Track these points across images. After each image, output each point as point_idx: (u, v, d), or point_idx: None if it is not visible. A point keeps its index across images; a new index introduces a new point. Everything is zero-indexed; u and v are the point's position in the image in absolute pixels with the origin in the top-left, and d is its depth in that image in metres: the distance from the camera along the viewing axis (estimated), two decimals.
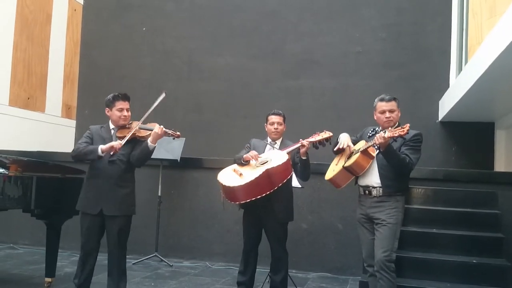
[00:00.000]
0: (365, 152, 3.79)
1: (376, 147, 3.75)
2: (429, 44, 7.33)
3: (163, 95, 4.24)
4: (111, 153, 4.01)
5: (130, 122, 4.28)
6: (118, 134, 4.19)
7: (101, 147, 3.99)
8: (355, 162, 3.83)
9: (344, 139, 4.04)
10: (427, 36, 7.36)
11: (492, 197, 5.43)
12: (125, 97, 4.22)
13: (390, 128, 3.67)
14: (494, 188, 5.59)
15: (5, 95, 9.22)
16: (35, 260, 6.20)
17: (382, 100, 3.96)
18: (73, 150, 4.14)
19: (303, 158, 4.30)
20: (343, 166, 3.95)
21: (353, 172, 3.93)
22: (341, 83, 7.60)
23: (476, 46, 5.23)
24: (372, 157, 3.83)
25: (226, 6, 8.25)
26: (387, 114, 3.92)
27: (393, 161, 3.73)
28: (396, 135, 3.49)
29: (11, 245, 7.05)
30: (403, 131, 3.45)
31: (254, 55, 8.03)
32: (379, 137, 3.57)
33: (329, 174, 4.16)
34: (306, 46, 7.82)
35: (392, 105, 3.92)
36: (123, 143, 4.01)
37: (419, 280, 4.69)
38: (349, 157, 3.97)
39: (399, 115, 3.96)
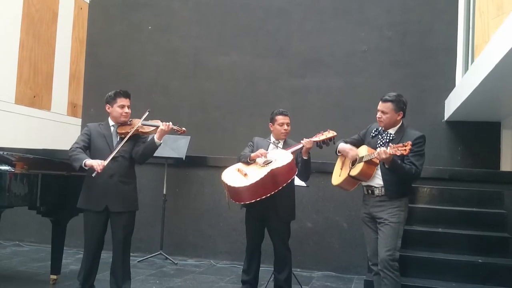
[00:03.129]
0: (369, 161, 3.77)
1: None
2: (435, 43, 7.30)
3: (146, 113, 4.21)
4: (93, 174, 3.88)
5: (131, 119, 4.28)
6: (120, 131, 4.18)
7: (86, 162, 3.92)
8: (361, 171, 3.80)
9: (346, 148, 4.01)
10: (433, 35, 7.33)
11: (498, 196, 5.41)
12: (126, 94, 4.22)
13: (391, 144, 3.61)
14: (500, 188, 5.57)
15: (11, 93, 9.27)
16: (41, 257, 6.22)
17: (381, 99, 3.93)
18: (69, 149, 4.11)
19: (305, 157, 4.29)
20: (349, 175, 3.94)
21: (360, 180, 3.93)
22: (347, 82, 7.59)
23: (482, 45, 5.21)
24: (376, 164, 3.80)
25: (232, 4, 8.25)
26: (378, 114, 3.90)
27: (398, 174, 3.72)
28: (398, 153, 3.43)
29: (17, 242, 7.08)
30: (405, 150, 3.39)
31: (260, 54, 8.03)
32: (382, 153, 3.53)
33: (335, 180, 4.15)
34: (311, 45, 7.81)
35: (385, 106, 3.85)
36: (105, 164, 3.92)
37: (424, 280, 4.67)
38: (353, 163, 3.95)
39: (397, 118, 3.86)
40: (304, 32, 7.88)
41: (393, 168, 3.67)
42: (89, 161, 3.93)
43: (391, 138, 3.85)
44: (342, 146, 4.05)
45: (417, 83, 7.28)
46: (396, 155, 3.48)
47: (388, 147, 3.52)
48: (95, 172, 3.88)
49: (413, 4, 7.49)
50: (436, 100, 7.17)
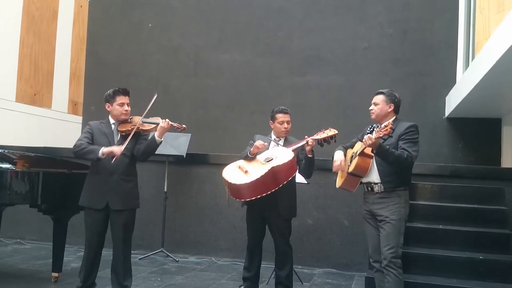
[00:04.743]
0: (362, 153, 3.79)
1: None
2: (436, 40, 7.30)
3: (155, 97, 4.20)
4: (113, 160, 3.96)
5: (131, 117, 4.28)
6: (120, 129, 4.19)
7: (103, 150, 3.97)
8: (356, 165, 3.83)
9: (337, 158, 4.02)
10: (434, 32, 7.33)
11: (499, 193, 5.41)
12: (125, 92, 4.23)
13: (376, 129, 3.66)
14: (501, 184, 5.57)
15: (12, 91, 9.26)
16: (42, 255, 6.23)
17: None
18: (74, 146, 4.11)
19: (309, 156, 4.29)
20: (347, 172, 3.96)
21: (359, 175, 3.94)
22: (348, 79, 7.58)
23: (483, 42, 5.20)
24: (371, 156, 3.83)
25: (232, 2, 8.24)
26: (371, 107, 4.01)
27: (389, 159, 3.73)
28: (381, 135, 3.50)
29: (19, 240, 7.09)
30: (387, 130, 3.47)
31: (261, 52, 8.02)
32: (367, 139, 3.59)
33: (338, 182, 4.18)
34: (312, 42, 7.81)
35: (377, 98, 3.98)
36: (123, 148, 3.99)
37: (425, 276, 4.67)
38: (350, 161, 3.97)
39: (388, 110, 3.93)
40: (305, 30, 7.87)
41: (381, 153, 3.70)
42: (106, 149, 3.99)
43: None
44: (335, 155, 4.07)
45: (418, 80, 7.27)
46: (380, 137, 3.53)
47: (374, 132, 3.60)
48: (115, 158, 3.95)
49: (414, 1, 7.48)
50: (437, 97, 7.17)
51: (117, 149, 3.97)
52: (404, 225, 3.85)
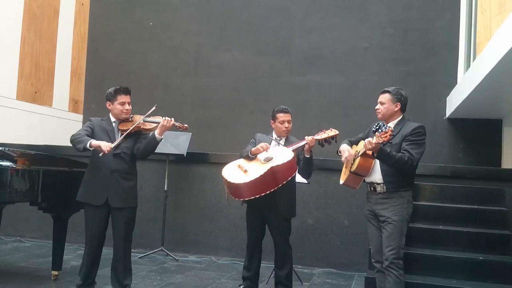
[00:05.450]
0: (364, 154, 3.79)
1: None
2: (437, 40, 7.29)
3: (153, 108, 4.18)
4: (100, 154, 3.91)
5: (132, 115, 4.27)
6: (121, 127, 4.18)
7: (91, 142, 3.92)
8: (359, 165, 3.83)
9: (344, 149, 3.99)
10: (435, 32, 7.32)
11: (499, 194, 5.41)
12: (126, 91, 4.20)
13: (377, 133, 3.63)
14: (501, 185, 5.57)
15: (13, 89, 9.27)
16: (42, 253, 6.23)
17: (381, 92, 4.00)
18: (72, 135, 4.08)
19: (307, 156, 4.28)
20: (350, 171, 3.96)
21: (361, 175, 3.93)
22: (348, 79, 7.58)
23: (484, 42, 5.20)
24: (372, 157, 3.82)
25: (233, 1, 8.24)
26: (377, 106, 3.97)
27: (390, 162, 3.72)
28: (380, 141, 3.48)
29: (19, 238, 7.09)
30: (386, 136, 3.45)
31: (261, 51, 8.02)
32: (367, 143, 3.58)
33: (342, 178, 4.17)
34: (313, 42, 7.80)
35: (383, 97, 3.93)
36: (113, 146, 3.94)
37: (425, 277, 4.67)
38: (354, 160, 3.97)
39: (394, 109, 3.89)
40: (306, 29, 7.87)
41: (381, 157, 3.70)
42: (95, 142, 3.93)
43: None
44: (342, 147, 4.06)
45: (419, 80, 7.27)
46: (379, 142, 3.51)
47: (374, 137, 3.56)
48: (102, 153, 3.88)
49: (415, 1, 7.47)
50: (438, 97, 7.16)
51: (105, 145, 3.90)
52: (407, 226, 3.83)
